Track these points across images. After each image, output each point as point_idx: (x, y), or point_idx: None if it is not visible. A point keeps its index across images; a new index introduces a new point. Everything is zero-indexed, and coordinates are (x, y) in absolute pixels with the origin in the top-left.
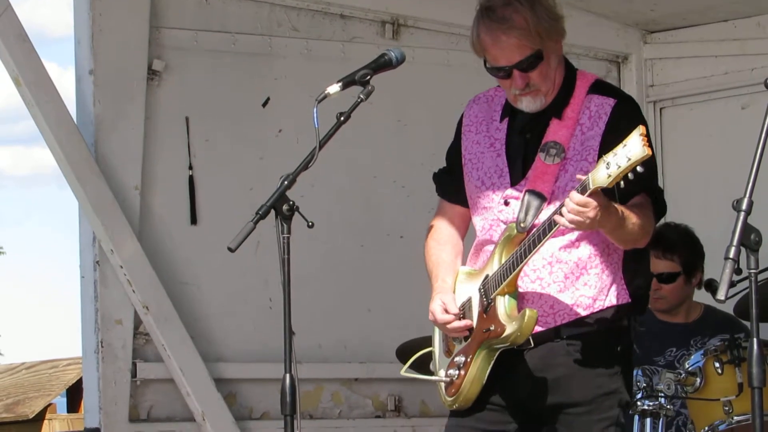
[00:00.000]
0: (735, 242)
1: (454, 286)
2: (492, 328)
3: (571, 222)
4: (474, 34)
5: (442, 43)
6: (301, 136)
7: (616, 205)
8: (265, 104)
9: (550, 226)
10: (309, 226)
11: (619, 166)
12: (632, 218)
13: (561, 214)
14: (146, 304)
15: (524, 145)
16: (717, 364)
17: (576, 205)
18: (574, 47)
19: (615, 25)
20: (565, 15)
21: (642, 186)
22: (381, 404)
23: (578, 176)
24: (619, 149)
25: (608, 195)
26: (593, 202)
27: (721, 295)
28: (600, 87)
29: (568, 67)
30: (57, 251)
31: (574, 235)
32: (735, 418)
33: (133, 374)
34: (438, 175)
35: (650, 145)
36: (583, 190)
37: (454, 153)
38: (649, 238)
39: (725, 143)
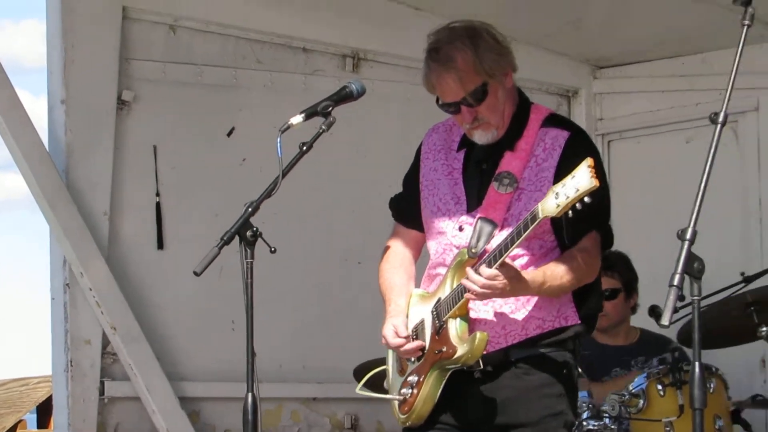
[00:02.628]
0: (679, 270)
1: (407, 308)
2: (444, 349)
3: (479, 295)
4: (424, 74)
5: (400, 77)
6: (265, 164)
7: (537, 271)
8: (230, 134)
9: (500, 253)
10: (272, 252)
11: (568, 197)
12: (559, 278)
13: (474, 286)
14: (114, 325)
15: (480, 174)
16: (659, 387)
17: (486, 279)
18: (526, 81)
19: (566, 60)
20: (518, 50)
21: (592, 224)
22: (338, 422)
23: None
24: (567, 180)
25: (558, 232)
26: (500, 275)
27: (665, 321)
28: (554, 120)
29: (522, 100)
30: (28, 274)
31: (524, 260)
32: None
33: (101, 392)
34: (394, 200)
35: (599, 177)
36: (527, 224)
37: (412, 179)
38: (594, 276)
39: (670, 175)
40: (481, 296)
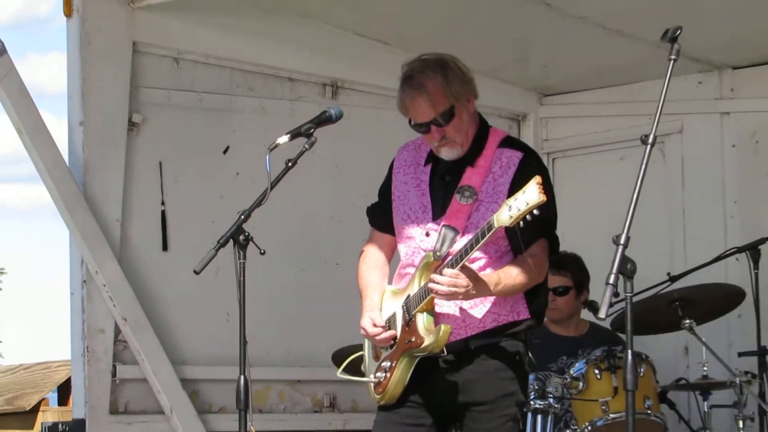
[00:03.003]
0: (614, 270)
1: (381, 303)
2: (413, 339)
3: (445, 295)
4: (399, 99)
5: (373, 103)
6: (256, 178)
7: (493, 273)
8: (225, 152)
9: (461, 256)
10: (261, 253)
11: (519, 209)
12: (512, 279)
13: (439, 287)
14: (124, 316)
15: (444, 187)
16: (596, 371)
17: (449, 278)
18: (483, 107)
19: (517, 89)
20: (477, 80)
21: (541, 232)
22: (318, 401)
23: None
24: (519, 195)
25: (513, 239)
26: (462, 275)
27: (602, 314)
28: (510, 142)
29: (483, 123)
30: (51, 272)
31: (482, 262)
32: (611, 415)
33: (113, 375)
34: (370, 209)
35: (546, 193)
36: (484, 232)
37: (385, 190)
38: (543, 278)
39: (607, 189)
40: (446, 295)
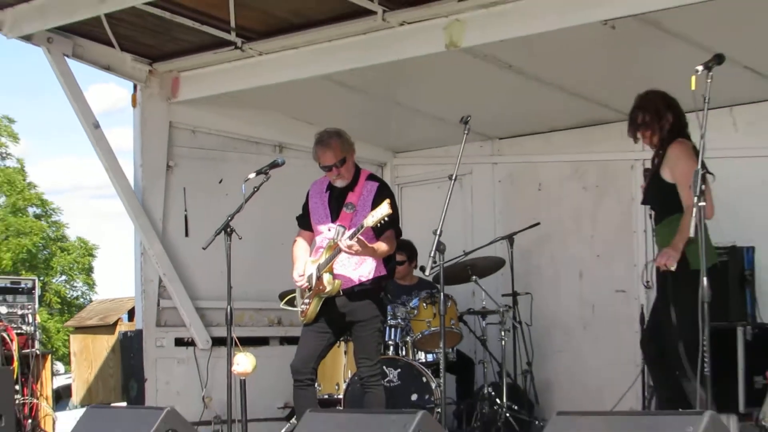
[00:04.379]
0: (433, 249)
1: (304, 266)
2: (321, 287)
3: (348, 247)
4: (314, 152)
5: (302, 156)
6: (239, 197)
7: (371, 245)
8: (220, 182)
9: (354, 234)
10: (239, 238)
11: (375, 217)
12: (382, 247)
13: (345, 246)
14: (164, 272)
15: (337, 203)
16: (424, 304)
17: (350, 240)
18: (360, 158)
19: (380, 149)
20: (357, 143)
21: (390, 226)
22: (272, 320)
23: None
24: (377, 209)
25: (376, 231)
26: (354, 242)
27: (426, 273)
28: (372, 177)
29: (357, 167)
30: (125, 247)
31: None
32: (432, 328)
33: (158, 305)
34: (298, 217)
35: (393, 208)
36: (359, 228)
37: (305, 206)
38: (393, 250)
39: (431, 204)
40: (348, 248)
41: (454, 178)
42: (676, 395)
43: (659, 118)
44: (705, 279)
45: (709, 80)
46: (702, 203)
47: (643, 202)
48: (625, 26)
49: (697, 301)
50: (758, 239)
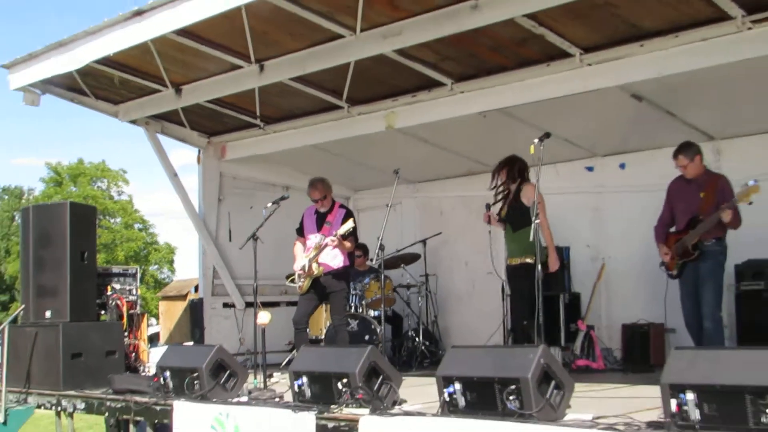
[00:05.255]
0: (378, 248)
1: (302, 259)
2: (311, 271)
3: (332, 241)
4: (308, 190)
5: (300, 193)
6: (261, 218)
7: (344, 243)
8: (251, 208)
9: (334, 237)
10: (262, 243)
11: (344, 229)
12: (348, 245)
13: (330, 241)
14: (216, 263)
15: (320, 221)
16: (373, 282)
17: (337, 239)
18: (335, 194)
19: (345, 188)
20: (334, 185)
21: (352, 235)
22: (281, 291)
23: (336, 234)
24: (344, 225)
25: (345, 238)
26: (335, 239)
27: (374, 265)
28: (342, 206)
29: (333, 199)
30: (193, 248)
31: (336, 243)
32: (376, 296)
33: (212, 283)
34: (297, 230)
35: (355, 225)
36: (334, 237)
37: (301, 223)
38: (353, 249)
39: (376, 221)
40: (331, 242)
41: (389, 206)
42: (524, 337)
43: (516, 169)
44: (539, 267)
45: (541, 147)
46: (537, 221)
47: (503, 219)
48: (492, 115)
49: (534, 282)
50: (571, 242)
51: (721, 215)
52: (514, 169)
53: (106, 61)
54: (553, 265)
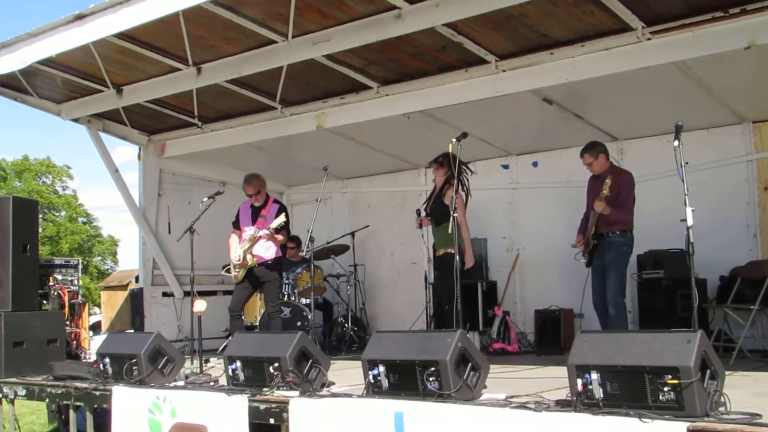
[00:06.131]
0: (307, 240)
1: (237, 250)
2: (245, 261)
3: (265, 234)
4: (243, 185)
5: (235, 187)
6: (197, 211)
7: (277, 236)
8: (189, 203)
9: (267, 230)
10: (198, 235)
11: (276, 222)
12: (280, 239)
13: (263, 233)
14: (155, 254)
15: (255, 215)
16: (304, 271)
17: (269, 232)
18: (269, 189)
19: (279, 183)
20: (265, 180)
21: (284, 228)
22: (217, 281)
23: (269, 228)
24: (277, 219)
25: (277, 231)
26: (269, 232)
27: (305, 254)
28: (275, 200)
29: (267, 194)
30: (132, 238)
31: (269, 236)
32: (307, 285)
33: (152, 273)
34: (233, 223)
35: (287, 218)
36: (268, 231)
37: (237, 216)
38: (285, 241)
39: (308, 214)
40: (265, 235)
41: (319, 200)
42: (444, 322)
43: (447, 167)
44: (457, 257)
45: (459, 146)
46: (455, 214)
47: (428, 214)
48: (415, 116)
49: (453, 270)
50: (488, 234)
51: (594, 207)
52: (452, 169)
53: (48, 62)
54: (469, 261)
